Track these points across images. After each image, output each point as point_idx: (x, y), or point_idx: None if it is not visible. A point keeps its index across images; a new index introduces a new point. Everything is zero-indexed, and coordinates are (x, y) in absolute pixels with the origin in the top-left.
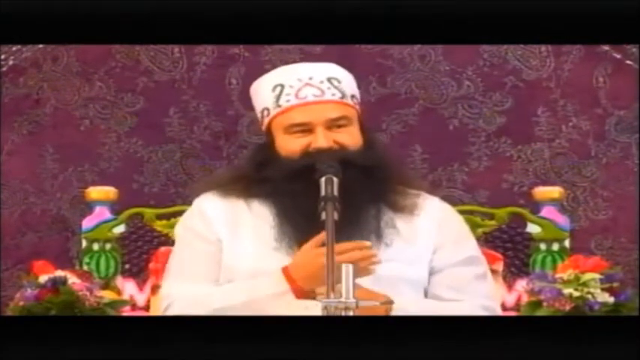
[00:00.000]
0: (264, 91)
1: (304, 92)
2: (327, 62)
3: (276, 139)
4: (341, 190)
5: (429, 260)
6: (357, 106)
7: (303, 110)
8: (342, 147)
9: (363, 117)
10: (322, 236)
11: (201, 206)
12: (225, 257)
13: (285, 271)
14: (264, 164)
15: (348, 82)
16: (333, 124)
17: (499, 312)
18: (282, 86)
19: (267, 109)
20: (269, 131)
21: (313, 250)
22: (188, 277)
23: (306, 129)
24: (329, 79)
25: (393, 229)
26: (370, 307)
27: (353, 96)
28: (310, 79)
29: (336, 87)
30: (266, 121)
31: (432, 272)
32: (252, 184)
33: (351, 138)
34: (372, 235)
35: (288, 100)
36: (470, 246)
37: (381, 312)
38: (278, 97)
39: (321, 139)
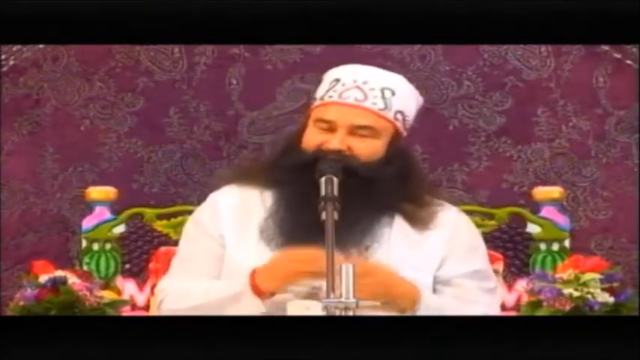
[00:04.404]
0: (325, 81)
1: (349, 93)
2: (396, 73)
3: (307, 129)
4: (339, 196)
5: (434, 269)
6: (399, 124)
7: (336, 109)
8: (352, 154)
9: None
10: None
11: (214, 200)
12: (229, 252)
13: (252, 272)
14: (286, 151)
15: (402, 98)
16: (356, 131)
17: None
18: (338, 81)
19: (315, 98)
20: (307, 119)
21: (287, 255)
22: (187, 272)
23: (331, 127)
24: (382, 89)
25: (402, 236)
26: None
27: (400, 112)
28: (364, 83)
29: (384, 97)
30: (311, 108)
31: (436, 281)
32: (268, 170)
33: (368, 149)
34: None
35: (331, 96)
36: (479, 260)
37: None
38: (327, 90)
39: (335, 141)
